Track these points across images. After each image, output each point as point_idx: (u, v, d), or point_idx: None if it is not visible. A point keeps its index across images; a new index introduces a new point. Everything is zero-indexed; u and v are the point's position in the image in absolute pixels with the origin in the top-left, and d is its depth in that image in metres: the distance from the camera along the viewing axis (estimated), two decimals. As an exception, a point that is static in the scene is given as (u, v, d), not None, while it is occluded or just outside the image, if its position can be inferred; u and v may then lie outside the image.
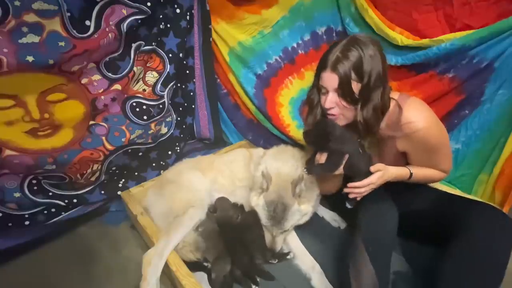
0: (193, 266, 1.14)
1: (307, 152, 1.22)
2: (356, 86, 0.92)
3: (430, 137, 0.98)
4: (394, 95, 1.02)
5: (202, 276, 1.14)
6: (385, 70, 0.95)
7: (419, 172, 1.08)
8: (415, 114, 0.97)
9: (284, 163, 1.26)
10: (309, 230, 1.29)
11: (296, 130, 1.78)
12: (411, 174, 1.07)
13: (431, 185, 1.20)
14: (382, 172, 1.01)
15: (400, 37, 1.33)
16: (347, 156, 1.01)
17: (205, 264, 1.17)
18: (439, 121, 1.01)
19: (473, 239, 0.87)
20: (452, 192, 1.20)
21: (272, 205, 1.13)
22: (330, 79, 0.94)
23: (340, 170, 1.03)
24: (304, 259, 1.17)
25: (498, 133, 1.30)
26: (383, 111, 0.98)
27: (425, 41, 1.30)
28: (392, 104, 0.99)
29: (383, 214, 0.97)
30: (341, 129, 1.00)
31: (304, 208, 1.16)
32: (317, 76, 0.99)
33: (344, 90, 0.93)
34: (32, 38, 1.01)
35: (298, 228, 1.27)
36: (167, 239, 1.14)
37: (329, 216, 1.42)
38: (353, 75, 0.91)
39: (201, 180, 1.40)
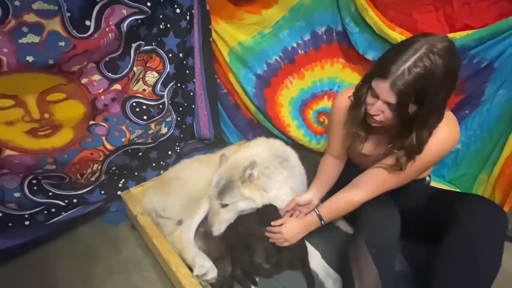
0: (193, 266, 1.14)
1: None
2: (412, 108, 0.83)
3: (431, 151, 0.92)
4: None
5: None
6: (454, 88, 0.84)
7: (329, 210, 1.10)
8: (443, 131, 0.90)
9: (249, 150, 1.31)
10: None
11: (296, 130, 1.78)
12: (319, 216, 1.10)
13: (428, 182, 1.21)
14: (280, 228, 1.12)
15: (400, 37, 1.33)
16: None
17: (205, 264, 1.17)
18: (451, 143, 0.94)
19: (462, 232, 0.86)
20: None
21: (218, 177, 1.19)
22: (385, 92, 0.84)
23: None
24: None
25: (498, 133, 1.30)
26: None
27: (425, 41, 1.29)
28: None
29: (385, 217, 0.97)
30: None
31: (246, 192, 1.15)
32: (373, 77, 0.89)
33: (398, 110, 0.84)
34: (32, 38, 1.01)
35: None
36: (191, 220, 1.20)
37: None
38: (413, 98, 0.80)
39: (204, 169, 1.41)
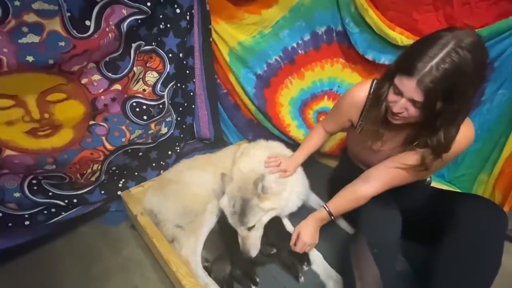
0: (193, 266, 1.14)
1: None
2: (438, 104, 0.79)
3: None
4: None
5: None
6: (482, 83, 0.83)
7: (338, 205, 1.11)
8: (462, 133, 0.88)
9: (251, 159, 1.30)
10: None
11: (296, 130, 1.78)
12: (329, 212, 1.11)
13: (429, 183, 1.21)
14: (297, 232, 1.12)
15: (400, 37, 1.33)
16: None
17: (205, 264, 1.17)
18: (468, 141, 0.94)
19: (462, 232, 0.87)
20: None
21: (232, 200, 1.14)
22: (411, 89, 0.80)
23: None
24: None
25: (498, 133, 1.30)
26: None
27: (425, 41, 1.29)
28: None
29: (387, 218, 0.97)
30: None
31: (266, 206, 1.14)
32: (395, 74, 0.85)
33: (424, 108, 0.81)
34: (32, 38, 1.01)
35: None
36: (195, 237, 1.19)
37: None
38: (440, 95, 0.76)
39: (204, 175, 1.41)
